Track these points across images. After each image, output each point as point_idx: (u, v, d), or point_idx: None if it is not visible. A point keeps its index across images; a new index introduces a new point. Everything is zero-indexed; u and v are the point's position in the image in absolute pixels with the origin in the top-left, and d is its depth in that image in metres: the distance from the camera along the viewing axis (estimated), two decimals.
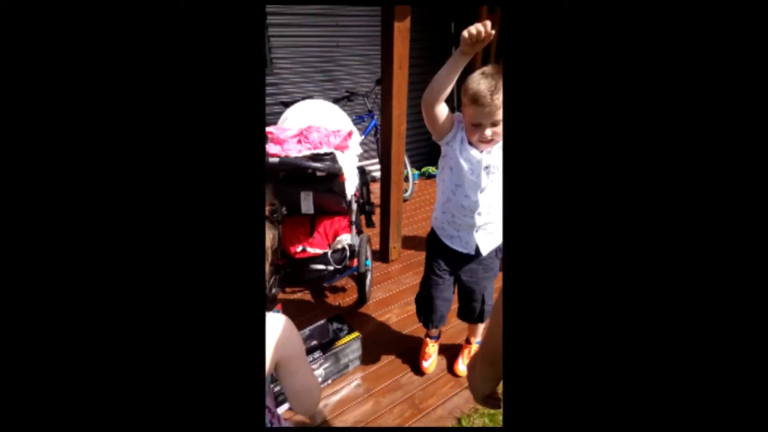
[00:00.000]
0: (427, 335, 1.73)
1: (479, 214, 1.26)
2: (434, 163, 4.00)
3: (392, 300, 2.12)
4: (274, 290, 1.83)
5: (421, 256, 2.51)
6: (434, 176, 3.86)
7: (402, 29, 1.81)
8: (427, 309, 1.51)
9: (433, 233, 1.45)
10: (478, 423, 1.46)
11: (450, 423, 1.46)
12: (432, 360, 1.70)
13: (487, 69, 1.11)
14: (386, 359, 1.73)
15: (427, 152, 4.08)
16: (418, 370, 1.67)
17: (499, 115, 1.08)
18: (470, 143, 1.19)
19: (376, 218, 2.31)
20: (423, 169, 3.91)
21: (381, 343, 1.82)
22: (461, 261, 1.40)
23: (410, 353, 1.76)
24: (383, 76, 1.95)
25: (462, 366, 1.68)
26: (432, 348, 1.71)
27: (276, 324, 0.72)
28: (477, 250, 1.33)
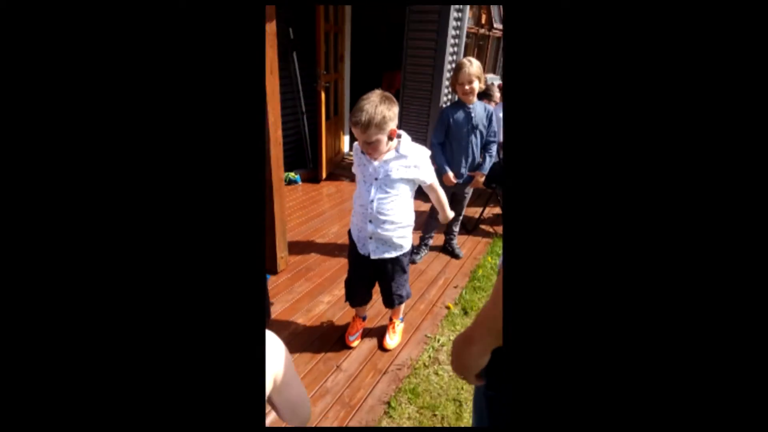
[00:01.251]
0: (356, 316, 1.91)
1: (370, 221, 1.48)
2: (293, 168, 3.97)
3: (293, 310, 2.07)
4: None
5: (308, 260, 2.52)
6: (295, 182, 3.84)
7: (269, 32, 1.77)
8: (349, 292, 1.78)
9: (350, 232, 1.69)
10: (403, 400, 1.60)
11: (381, 409, 1.56)
12: (357, 335, 1.88)
13: (372, 95, 1.33)
14: (305, 369, 1.71)
15: (285, 157, 4.00)
16: (339, 372, 1.71)
17: (371, 137, 1.33)
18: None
19: None
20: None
21: (295, 354, 1.78)
22: (366, 259, 1.61)
23: (325, 357, 1.78)
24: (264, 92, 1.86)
25: (390, 340, 1.86)
26: (359, 325, 1.90)
27: (274, 338, 0.71)
28: (369, 253, 1.57)
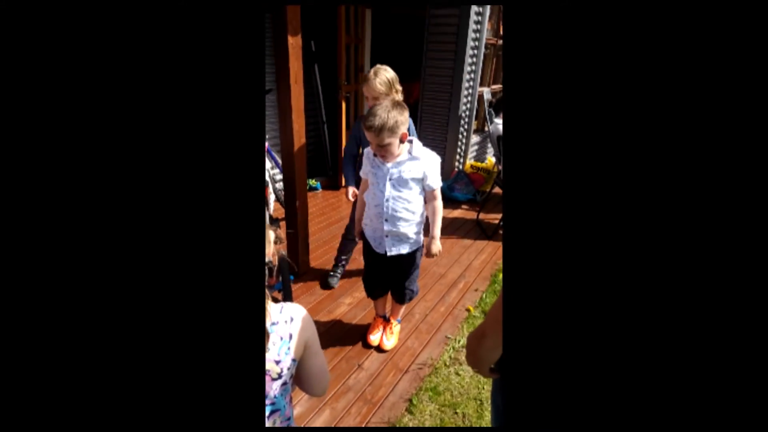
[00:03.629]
0: (376, 316, 1.95)
1: (386, 220, 1.54)
2: (314, 176, 4.07)
3: (314, 311, 2.12)
4: None
5: (329, 264, 2.58)
6: (315, 189, 3.93)
7: (295, 45, 1.87)
8: (368, 287, 1.84)
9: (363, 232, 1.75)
10: (424, 398, 1.62)
11: (403, 406, 1.58)
12: (378, 335, 1.91)
13: (385, 101, 1.41)
14: (328, 367, 1.75)
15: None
16: (361, 371, 1.74)
17: (383, 140, 1.39)
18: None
19: (281, 233, 2.28)
20: None
21: None
22: (382, 256, 1.66)
23: (347, 356, 1.82)
24: (279, 92, 1.96)
25: (387, 341, 1.88)
26: (379, 325, 1.94)
27: (298, 311, 0.76)
28: (386, 251, 1.62)
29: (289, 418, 0.80)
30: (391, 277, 1.76)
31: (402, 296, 1.77)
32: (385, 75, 1.80)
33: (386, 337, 1.89)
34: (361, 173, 1.64)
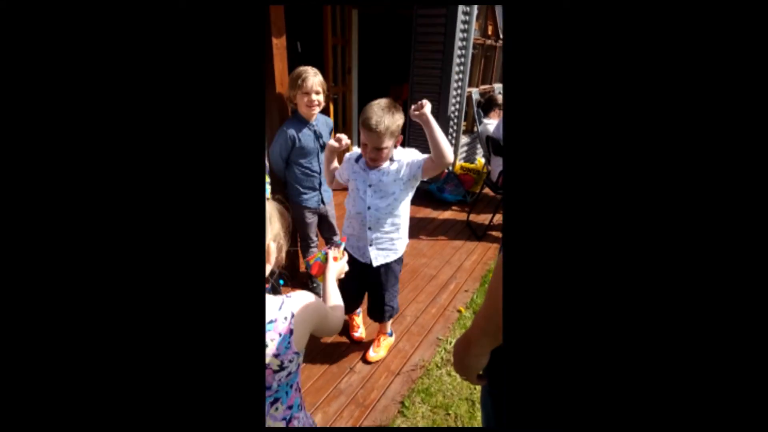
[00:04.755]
0: (350, 314, 1.93)
1: (369, 228, 1.51)
2: None
3: None
4: None
5: None
6: None
7: (279, 46, 1.85)
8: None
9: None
10: (416, 400, 1.61)
11: (395, 409, 1.57)
12: (361, 330, 1.93)
13: (384, 102, 1.36)
14: (319, 371, 1.73)
15: None
16: (353, 374, 1.73)
17: (383, 143, 1.33)
18: (366, 163, 1.46)
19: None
20: None
21: (309, 357, 1.80)
22: (364, 267, 1.62)
23: (340, 360, 1.80)
24: (264, 94, 1.94)
25: (373, 353, 1.83)
26: (358, 319, 1.95)
27: (299, 304, 0.76)
28: (371, 261, 1.57)
29: (291, 407, 0.79)
30: (369, 290, 1.72)
31: (382, 313, 1.71)
32: (317, 71, 1.81)
33: (373, 350, 1.82)
34: (339, 176, 1.59)
